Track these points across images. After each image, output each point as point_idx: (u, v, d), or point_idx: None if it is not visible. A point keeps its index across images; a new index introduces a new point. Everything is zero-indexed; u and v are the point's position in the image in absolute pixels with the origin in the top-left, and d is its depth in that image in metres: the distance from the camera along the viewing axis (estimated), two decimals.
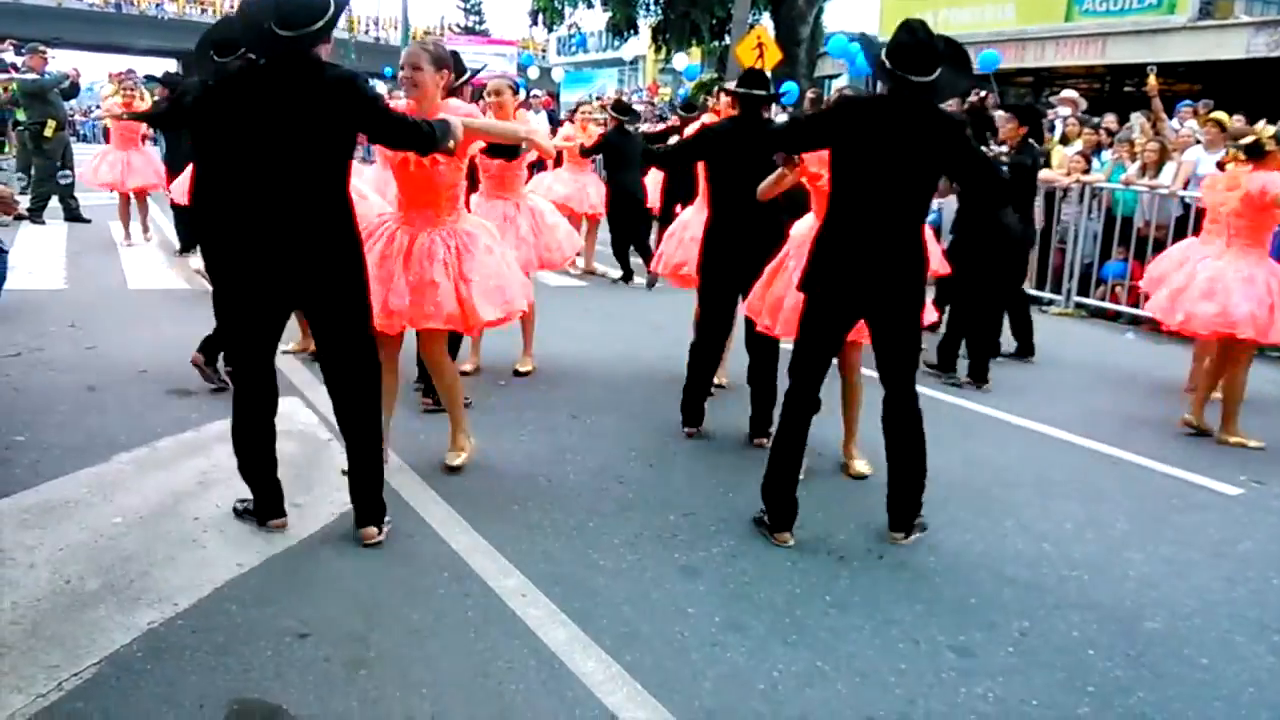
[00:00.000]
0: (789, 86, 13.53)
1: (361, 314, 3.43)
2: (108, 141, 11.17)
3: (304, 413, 4.91)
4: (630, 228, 9.30)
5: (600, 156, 9.43)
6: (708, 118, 7.17)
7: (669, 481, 4.32)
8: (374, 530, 3.49)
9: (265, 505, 3.55)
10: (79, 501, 3.70)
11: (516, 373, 5.93)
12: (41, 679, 2.61)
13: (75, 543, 3.38)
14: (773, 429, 4.68)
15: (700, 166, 4.94)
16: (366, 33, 45.24)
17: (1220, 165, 5.88)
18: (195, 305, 6.45)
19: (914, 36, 3.33)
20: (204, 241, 3.43)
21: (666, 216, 10.79)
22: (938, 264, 6.38)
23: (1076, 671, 2.97)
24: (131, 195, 10.13)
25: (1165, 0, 15.79)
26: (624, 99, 13.33)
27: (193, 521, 3.60)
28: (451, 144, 3.48)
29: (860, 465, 4.47)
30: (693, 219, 5.56)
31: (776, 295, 4.29)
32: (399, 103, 3.81)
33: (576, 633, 2.98)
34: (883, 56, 3.37)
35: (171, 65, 36.85)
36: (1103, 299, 8.93)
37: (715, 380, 5.25)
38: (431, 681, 2.71)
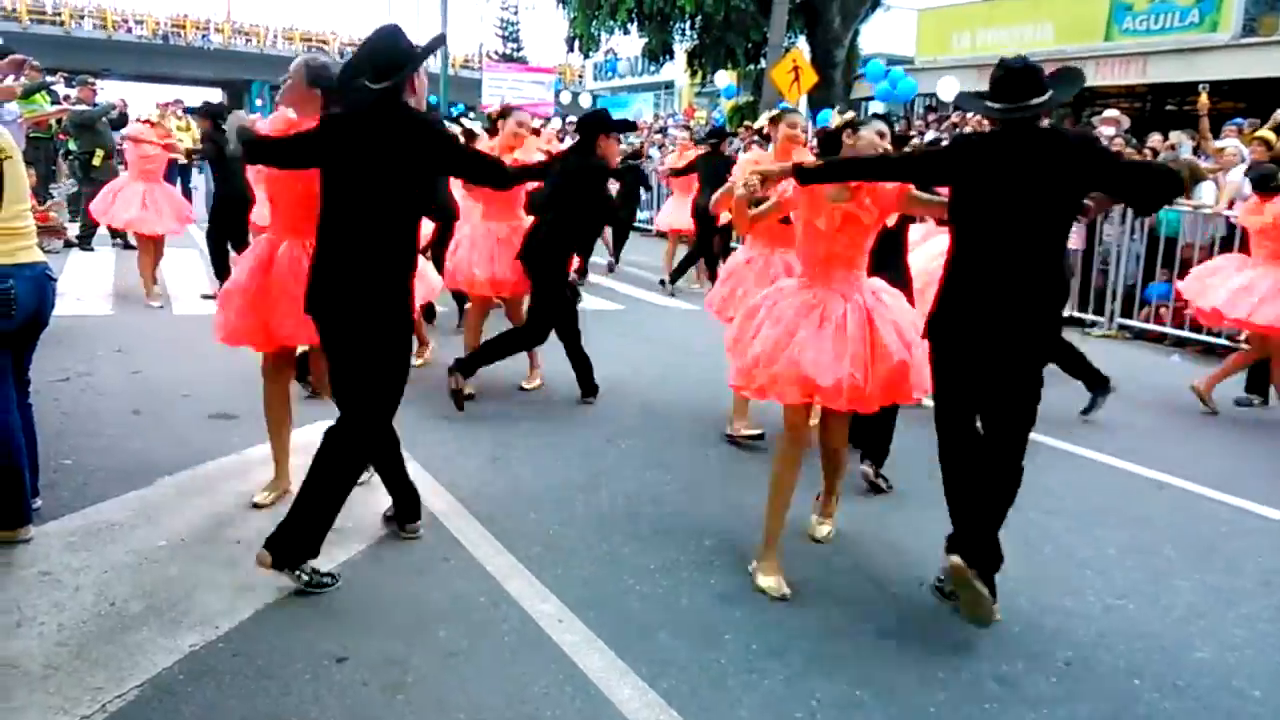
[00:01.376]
0: (824, 116, 13.55)
1: (376, 365, 3.36)
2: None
3: None
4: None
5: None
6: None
7: (705, 507, 4.31)
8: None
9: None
10: (123, 525, 3.76)
11: (521, 389, 6.05)
12: (86, 700, 2.64)
13: (120, 565, 3.44)
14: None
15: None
16: None
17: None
18: None
19: (1008, 68, 3.18)
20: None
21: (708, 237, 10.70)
22: None
23: (1123, 703, 2.90)
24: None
25: (1207, 18, 15.60)
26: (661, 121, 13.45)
27: (234, 545, 3.64)
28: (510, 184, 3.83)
29: (823, 529, 4.00)
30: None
31: (753, 353, 3.58)
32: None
33: (613, 659, 2.97)
34: (987, 103, 3.20)
35: (215, 95, 37.71)
36: (1147, 320, 8.79)
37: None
38: (468, 706, 2.71)
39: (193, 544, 3.64)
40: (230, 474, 4.37)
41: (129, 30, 42.53)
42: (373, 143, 3.27)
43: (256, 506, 3.98)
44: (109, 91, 15.03)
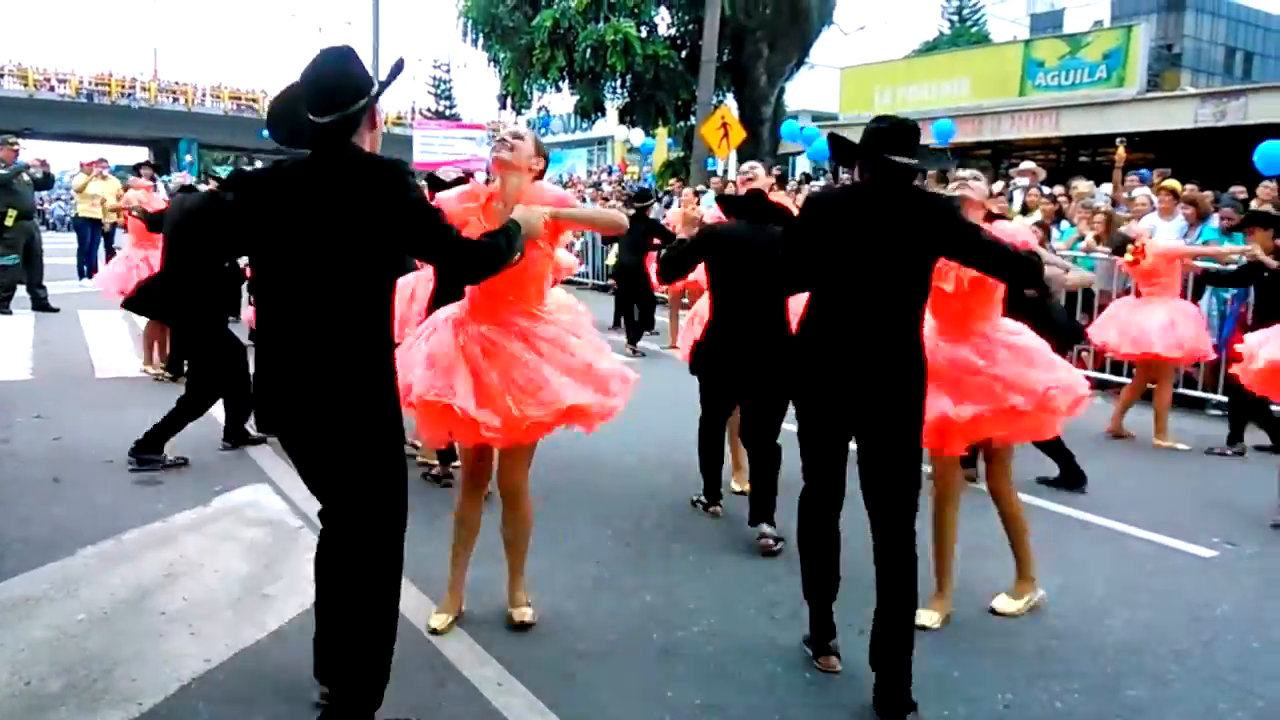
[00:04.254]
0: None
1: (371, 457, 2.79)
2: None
3: (273, 500, 4.84)
4: None
5: None
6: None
7: (645, 561, 4.28)
8: None
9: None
10: (41, 598, 3.61)
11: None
12: None
13: (37, 641, 3.29)
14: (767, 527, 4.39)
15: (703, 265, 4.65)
16: None
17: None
18: (163, 393, 6.38)
19: (895, 120, 3.23)
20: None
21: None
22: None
23: None
24: None
25: (1114, 73, 16.39)
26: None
27: (159, 616, 3.51)
28: (516, 257, 3.00)
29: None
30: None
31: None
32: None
33: None
34: (867, 143, 3.19)
35: (142, 154, 37.13)
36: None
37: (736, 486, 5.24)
38: None
39: (114, 616, 3.50)
40: (155, 542, 4.23)
41: (51, 89, 41.78)
42: (311, 200, 2.57)
43: (434, 632, 3.48)
44: (31, 151, 14.74)
